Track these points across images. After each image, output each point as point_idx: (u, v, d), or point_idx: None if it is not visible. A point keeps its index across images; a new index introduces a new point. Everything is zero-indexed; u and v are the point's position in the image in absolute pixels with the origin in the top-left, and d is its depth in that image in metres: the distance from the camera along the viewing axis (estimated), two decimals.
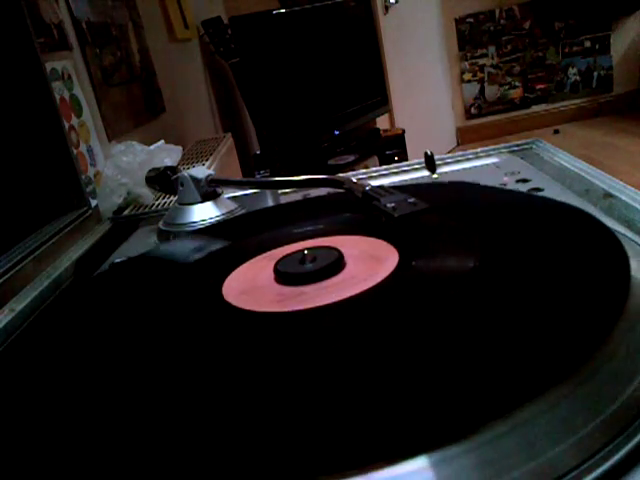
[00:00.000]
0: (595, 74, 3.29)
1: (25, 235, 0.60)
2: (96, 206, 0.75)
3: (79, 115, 0.89)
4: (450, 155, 0.67)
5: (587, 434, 0.19)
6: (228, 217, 0.53)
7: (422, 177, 0.63)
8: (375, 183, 0.44)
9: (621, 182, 0.47)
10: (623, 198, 0.44)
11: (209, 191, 0.55)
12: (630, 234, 0.40)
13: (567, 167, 0.55)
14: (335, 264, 0.33)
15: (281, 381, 0.24)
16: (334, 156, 2.07)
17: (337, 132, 2.08)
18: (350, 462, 0.18)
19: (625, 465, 0.19)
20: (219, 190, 0.56)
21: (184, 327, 0.31)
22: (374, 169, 0.69)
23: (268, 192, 0.59)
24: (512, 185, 0.54)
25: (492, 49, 3.27)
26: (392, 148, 2.30)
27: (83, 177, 0.72)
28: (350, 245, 0.36)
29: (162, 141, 1.13)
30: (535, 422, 0.19)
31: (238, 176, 1.57)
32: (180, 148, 1.09)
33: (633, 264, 0.27)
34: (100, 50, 1.11)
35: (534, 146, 0.66)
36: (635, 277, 0.26)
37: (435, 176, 0.61)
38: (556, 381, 0.20)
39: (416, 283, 0.31)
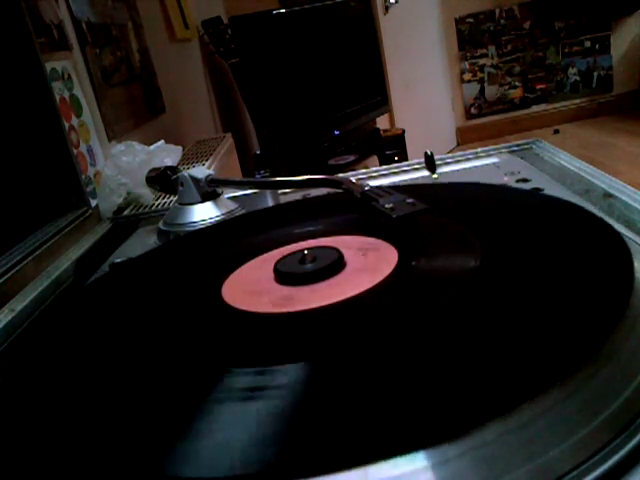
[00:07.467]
0: (595, 74, 3.29)
1: (25, 235, 0.60)
2: (96, 206, 0.75)
3: (79, 115, 0.89)
4: (450, 155, 0.67)
5: (587, 434, 0.19)
6: (228, 217, 0.53)
7: (422, 177, 0.63)
8: (375, 183, 0.44)
9: (621, 182, 0.47)
10: (623, 198, 0.44)
11: (209, 191, 0.55)
12: (630, 234, 0.40)
13: (567, 167, 0.55)
14: (335, 264, 0.33)
15: (281, 381, 0.24)
16: (334, 156, 2.07)
17: (337, 132, 2.07)
18: (349, 461, 0.18)
19: (625, 465, 0.19)
20: (219, 190, 0.56)
21: (183, 329, 0.31)
22: (374, 169, 0.69)
23: (268, 192, 0.59)
24: (512, 185, 0.54)
25: (492, 49, 3.27)
26: (392, 148, 2.30)
27: (83, 177, 0.72)
28: (350, 245, 0.36)
29: (162, 141, 1.13)
30: (535, 422, 0.19)
31: (238, 176, 1.57)
32: (180, 148, 1.08)
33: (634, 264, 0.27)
34: (100, 50, 1.11)
35: (534, 146, 0.66)
36: (636, 277, 0.26)
37: (435, 176, 0.61)
38: (556, 381, 0.20)
39: (416, 282, 0.31)
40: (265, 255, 0.38)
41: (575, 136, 3.02)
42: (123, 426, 0.23)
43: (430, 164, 0.62)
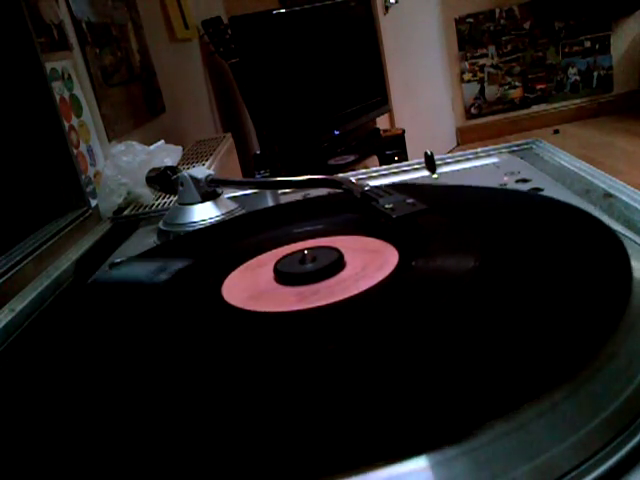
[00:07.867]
0: (595, 74, 3.29)
1: (25, 235, 0.60)
2: (96, 206, 0.75)
3: (79, 115, 0.89)
4: (450, 155, 0.67)
5: (587, 434, 0.19)
6: (228, 217, 0.53)
7: (422, 177, 0.63)
8: (375, 183, 0.44)
9: (621, 182, 0.47)
10: (623, 198, 0.44)
11: (209, 191, 0.55)
12: (630, 234, 0.40)
13: (567, 167, 0.55)
14: (335, 264, 0.33)
15: (281, 382, 0.24)
16: (334, 156, 2.07)
17: (337, 132, 2.07)
18: (349, 462, 0.18)
19: (625, 465, 0.19)
20: (219, 190, 0.56)
21: (184, 328, 0.31)
22: (374, 169, 0.69)
23: (268, 192, 0.59)
24: (512, 185, 0.54)
25: (492, 49, 3.27)
26: (392, 148, 2.30)
27: (83, 177, 0.72)
28: (350, 245, 0.36)
29: (162, 141, 1.13)
30: (535, 422, 0.19)
31: (238, 176, 1.57)
32: (180, 148, 1.08)
33: (633, 264, 0.27)
34: (100, 50, 1.11)
35: (534, 146, 0.66)
36: (636, 277, 0.26)
37: (435, 176, 0.61)
38: (557, 382, 0.20)
39: (416, 283, 0.31)
40: (265, 255, 0.38)
41: (575, 136, 3.02)
42: (124, 427, 0.23)
43: (430, 164, 0.62)
